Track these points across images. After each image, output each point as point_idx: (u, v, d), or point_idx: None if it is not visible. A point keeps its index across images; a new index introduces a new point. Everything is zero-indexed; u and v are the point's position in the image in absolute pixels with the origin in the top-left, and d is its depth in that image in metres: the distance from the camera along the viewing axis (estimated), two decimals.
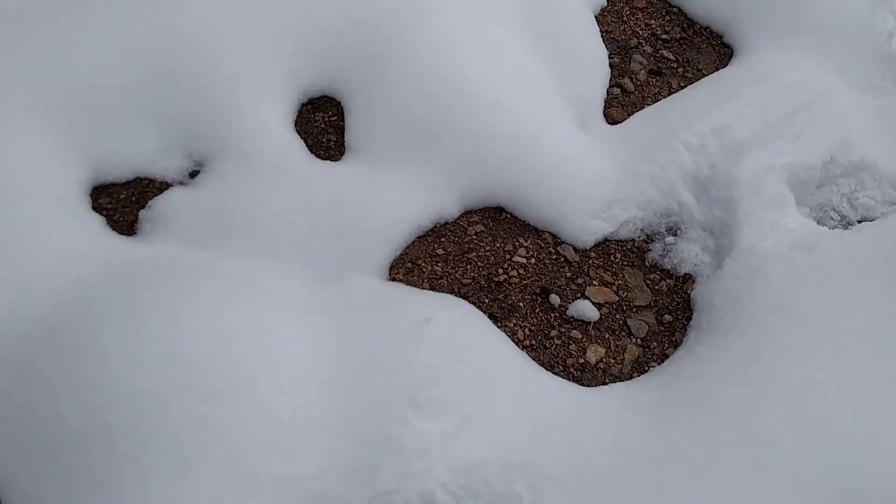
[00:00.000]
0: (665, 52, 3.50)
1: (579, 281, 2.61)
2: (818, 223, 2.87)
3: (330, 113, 2.95)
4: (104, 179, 2.60)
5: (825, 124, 2.95)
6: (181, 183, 2.66)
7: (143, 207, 2.59)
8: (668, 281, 2.65)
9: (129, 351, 1.82)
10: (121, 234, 2.49)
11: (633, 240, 2.75)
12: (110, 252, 2.33)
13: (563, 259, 2.66)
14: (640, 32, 3.60)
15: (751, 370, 2.14)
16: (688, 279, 2.66)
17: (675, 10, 3.72)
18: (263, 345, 2.03)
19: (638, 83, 3.35)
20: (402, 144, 2.74)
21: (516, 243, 2.67)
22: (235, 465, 1.85)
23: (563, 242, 2.70)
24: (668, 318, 2.56)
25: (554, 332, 2.47)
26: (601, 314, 2.54)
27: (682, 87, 3.40)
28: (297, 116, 2.93)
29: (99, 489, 1.74)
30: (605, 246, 2.72)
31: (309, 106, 2.98)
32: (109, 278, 2.10)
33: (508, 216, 2.75)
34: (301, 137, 2.86)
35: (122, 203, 2.59)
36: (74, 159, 2.53)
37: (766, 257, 2.50)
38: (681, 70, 3.47)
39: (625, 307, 2.57)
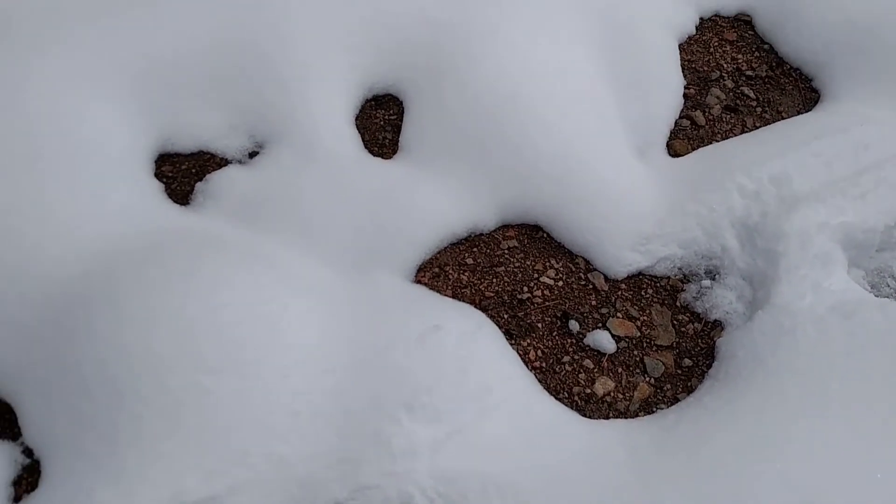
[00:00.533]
0: (746, 89, 3.40)
1: (603, 311, 2.60)
2: (871, 287, 2.75)
3: (391, 111, 3.04)
4: (170, 149, 2.78)
5: (894, 186, 2.80)
6: (240, 161, 2.80)
7: (200, 180, 2.75)
8: (696, 324, 2.60)
9: (144, 312, 1.96)
10: (175, 202, 2.65)
11: (669, 277, 2.70)
12: (160, 217, 2.50)
13: (591, 286, 2.65)
14: (725, 66, 3.51)
15: (752, 430, 2.08)
16: (717, 326, 2.60)
17: (766, 46, 3.60)
18: (276, 327, 2.14)
19: (710, 118, 3.27)
20: (451, 151, 2.79)
21: (547, 264, 2.68)
22: (228, 437, 1.97)
23: (594, 269, 2.69)
24: (687, 362, 2.52)
25: (567, 358, 2.48)
26: (619, 347, 2.52)
27: (757, 128, 3.29)
28: (360, 111, 3.03)
29: (100, 437, 1.89)
30: (637, 279, 2.69)
31: (372, 102, 3.07)
32: (149, 241, 2.26)
33: (545, 235, 2.76)
34: (359, 132, 2.95)
35: (183, 173, 2.75)
36: (145, 126, 2.72)
37: (800, 316, 2.41)
38: (759, 109, 3.36)
39: (645, 344, 2.54)
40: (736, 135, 3.25)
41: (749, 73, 3.47)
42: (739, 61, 3.52)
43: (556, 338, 2.52)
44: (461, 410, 2.15)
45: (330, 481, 2.05)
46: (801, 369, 2.27)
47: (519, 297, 2.58)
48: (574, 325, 2.53)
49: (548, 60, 2.93)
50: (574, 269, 2.68)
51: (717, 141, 3.22)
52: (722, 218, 2.70)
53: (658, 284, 2.68)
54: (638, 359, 2.50)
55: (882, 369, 2.26)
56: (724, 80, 3.43)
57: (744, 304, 2.58)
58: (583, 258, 2.70)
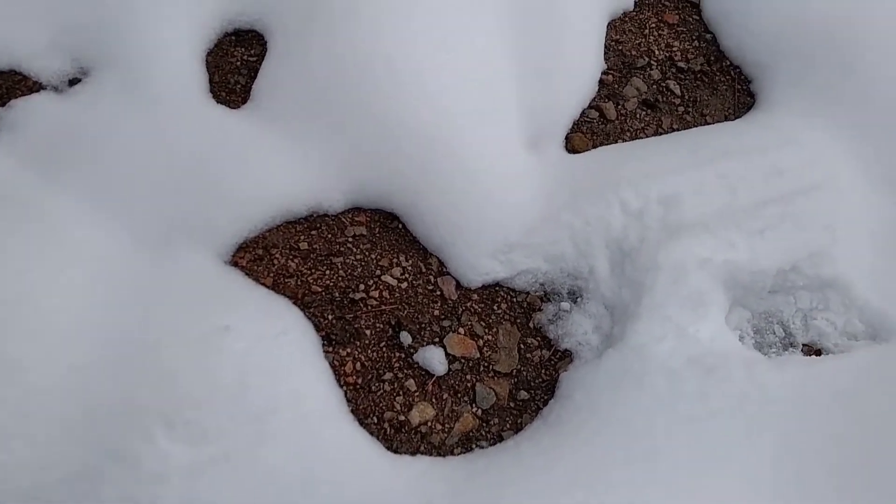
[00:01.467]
0: (672, 84, 3.01)
1: (445, 323, 2.27)
2: (754, 333, 2.44)
3: (252, 51, 2.60)
4: None
5: (805, 225, 2.47)
6: (55, 88, 2.37)
7: (2, 105, 2.31)
8: (544, 351, 2.29)
9: None
10: None
11: (528, 293, 2.37)
12: None
13: (439, 293, 2.31)
14: (656, 52, 3.10)
15: (557, 496, 1.79)
16: (566, 357, 2.29)
17: (708, 36, 3.18)
18: (16, 308, 1.76)
19: (623, 112, 2.88)
20: (306, 112, 2.38)
21: (395, 260, 2.32)
22: None
23: (447, 273, 2.34)
24: (524, 394, 2.21)
25: (388, 376, 2.15)
26: (451, 369, 2.20)
27: (673, 130, 2.92)
28: (215, 46, 2.59)
29: None
30: (493, 291, 2.35)
31: (233, 36, 2.63)
32: None
33: (400, 227, 2.39)
34: (208, 71, 2.52)
35: None
36: None
37: (652, 363, 2.11)
38: (681, 109, 2.97)
39: (482, 368, 2.22)
40: (648, 135, 2.87)
41: (682, 64, 3.07)
42: (674, 49, 3.12)
43: (384, 350, 2.19)
44: (235, 433, 1.82)
45: (62, 499, 1.72)
46: (637, 429, 1.97)
47: (352, 295, 2.23)
48: (406, 338, 2.19)
49: (437, 25, 2.50)
50: (424, 271, 2.33)
51: (625, 140, 2.84)
52: (597, 235, 2.35)
53: (514, 300, 2.35)
54: (470, 385, 2.19)
55: (729, 442, 1.98)
56: (651, 70, 3.03)
57: (600, 336, 2.26)
58: (437, 259, 2.35)
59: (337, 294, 2.23)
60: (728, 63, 3.14)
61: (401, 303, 2.26)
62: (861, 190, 2.69)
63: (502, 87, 2.62)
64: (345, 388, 2.10)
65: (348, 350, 2.15)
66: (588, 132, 2.80)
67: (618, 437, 1.96)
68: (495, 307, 2.33)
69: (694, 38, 3.18)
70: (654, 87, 2.99)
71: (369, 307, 2.23)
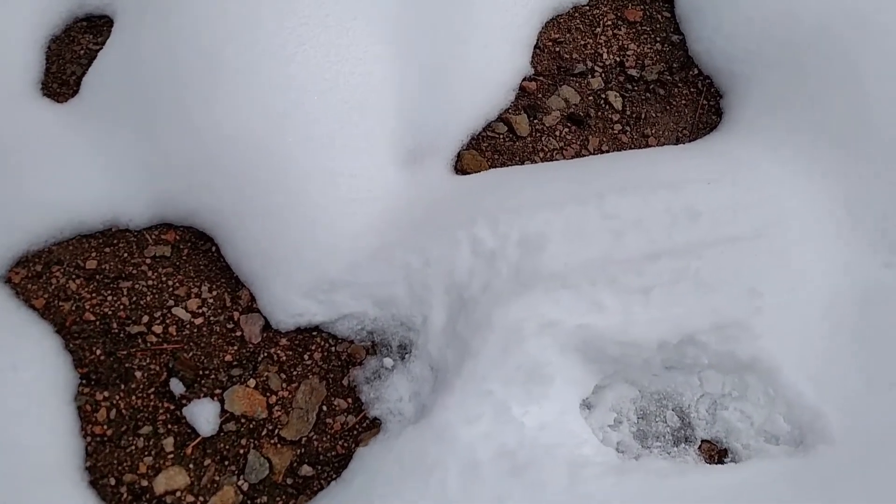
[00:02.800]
0: (615, 96, 2.47)
1: (235, 372, 1.88)
2: (639, 418, 1.90)
3: (99, 39, 2.31)
4: None
5: (714, 286, 1.90)
6: None
7: None
8: (350, 417, 1.86)
9: None
10: None
11: (352, 342, 1.94)
12: None
13: (238, 334, 1.92)
14: (604, 56, 2.57)
15: None
16: (373, 427, 1.84)
17: (676, 38, 2.61)
18: None
19: (539, 128, 2.38)
20: (121, 109, 2.07)
21: (195, 290, 1.96)
22: None
23: (256, 311, 1.95)
24: (307, 469, 1.79)
25: (146, 429, 1.79)
26: (223, 430, 1.81)
27: (600, 152, 2.39)
28: (63, 32, 2.31)
29: None
30: (308, 337, 1.95)
31: (84, 23, 2.34)
32: None
33: (213, 250, 2.02)
34: (48, 60, 2.25)
35: None
36: None
37: (453, 452, 1.64)
38: (618, 127, 2.43)
39: (264, 432, 1.82)
40: (566, 157, 2.35)
41: (633, 72, 2.52)
42: (629, 53, 2.56)
43: (152, 397, 1.83)
44: None
45: None
46: None
47: (130, 329, 1.88)
48: (177, 386, 1.82)
49: (291, 16, 2.10)
50: (229, 305, 1.95)
51: (536, 161, 2.34)
52: (437, 278, 1.89)
53: (332, 349, 1.92)
54: (243, 451, 1.79)
55: None
56: (591, 77, 2.50)
57: (415, 406, 1.80)
58: (249, 292, 1.96)
59: (115, 325, 1.89)
60: (697, 72, 2.55)
61: (188, 342, 1.89)
62: (821, 246, 2.06)
63: (374, 92, 2.19)
64: (89, 439, 1.75)
65: (107, 394, 1.81)
66: (488, 150, 2.31)
67: None
68: (306, 357, 1.91)
69: (658, 39, 2.60)
70: (590, 98, 2.46)
71: (148, 344, 1.87)
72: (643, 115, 2.46)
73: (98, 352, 1.86)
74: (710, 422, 1.92)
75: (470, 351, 1.74)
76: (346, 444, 1.82)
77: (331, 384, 1.90)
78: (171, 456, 1.76)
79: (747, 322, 1.87)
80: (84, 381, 1.82)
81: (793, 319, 1.94)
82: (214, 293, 1.97)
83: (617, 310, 1.81)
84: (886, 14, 2.30)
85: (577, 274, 1.82)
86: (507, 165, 2.32)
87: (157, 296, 1.95)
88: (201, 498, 1.74)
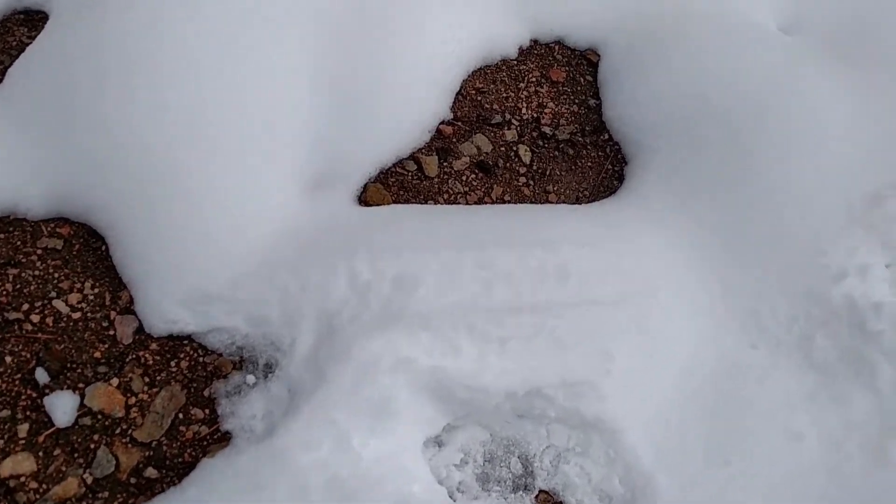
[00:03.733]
0: (524, 150, 2.59)
1: (102, 369, 1.95)
2: (485, 461, 1.99)
3: (34, 33, 2.38)
4: None
5: (568, 344, 2.00)
6: None
7: None
8: (202, 427, 1.92)
9: None
10: None
11: (220, 355, 2.01)
12: None
13: (112, 333, 1.99)
14: (522, 111, 2.68)
15: None
16: (224, 440, 1.91)
17: (593, 103, 2.73)
18: None
19: (448, 170, 2.48)
20: (34, 100, 2.14)
21: (78, 285, 2.03)
22: None
23: (132, 313, 2.02)
24: (152, 472, 1.86)
25: (4, 413, 1.85)
26: (78, 423, 1.87)
27: (501, 202, 2.49)
28: (0, 23, 2.38)
29: None
30: (178, 344, 2.02)
31: (21, 15, 2.42)
32: None
33: (103, 250, 2.09)
34: None
35: None
36: None
37: (285, 476, 1.71)
38: (523, 180, 2.54)
39: (118, 431, 1.88)
40: (468, 202, 2.45)
41: (547, 129, 2.63)
42: (546, 111, 2.68)
43: (17, 384, 1.89)
44: None
45: None
46: None
47: (8, 314, 1.94)
48: (42, 376, 1.88)
49: (217, 34, 2.20)
50: (108, 304, 2.01)
51: (440, 202, 2.44)
52: (311, 304, 1.97)
53: (199, 360, 1.99)
54: (93, 446, 1.85)
55: None
56: (506, 129, 2.61)
57: (266, 425, 1.87)
58: (129, 294, 2.03)
59: None
60: (607, 137, 2.67)
61: (62, 334, 1.96)
62: (687, 318, 2.17)
63: (288, 114, 2.28)
64: None
65: None
66: (395, 185, 2.41)
67: None
68: (172, 364, 1.98)
69: (576, 101, 2.73)
70: (502, 149, 2.57)
71: (24, 332, 1.94)
72: (548, 172, 2.57)
73: None
74: (552, 473, 2.01)
75: (325, 378, 1.83)
76: (193, 453, 1.88)
77: (192, 393, 1.97)
78: (23, 442, 1.82)
79: (596, 383, 1.97)
80: None
81: (643, 385, 2.04)
82: (96, 290, 2.04)
83: (472, 356, 1.90)
84: (790, 105, 2.43)
85: (440, 317, 1.91)
86: (410, 203, 2.41)
87: (41, 286, 2.01)
88: (44, 486, 1.79)
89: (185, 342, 2.02)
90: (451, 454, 1.98)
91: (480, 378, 1.87)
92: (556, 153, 2.62)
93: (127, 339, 2.00)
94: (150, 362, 1.98)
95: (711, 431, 2.02)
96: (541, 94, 2.75)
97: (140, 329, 2.01)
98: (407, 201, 2.41)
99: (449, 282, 1.98)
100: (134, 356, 1.98)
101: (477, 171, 2.51)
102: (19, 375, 1.90)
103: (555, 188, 2.56)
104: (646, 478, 1.94)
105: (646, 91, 2.64)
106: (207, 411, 1.95)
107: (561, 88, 2.78)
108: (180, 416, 1.93)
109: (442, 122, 2.57)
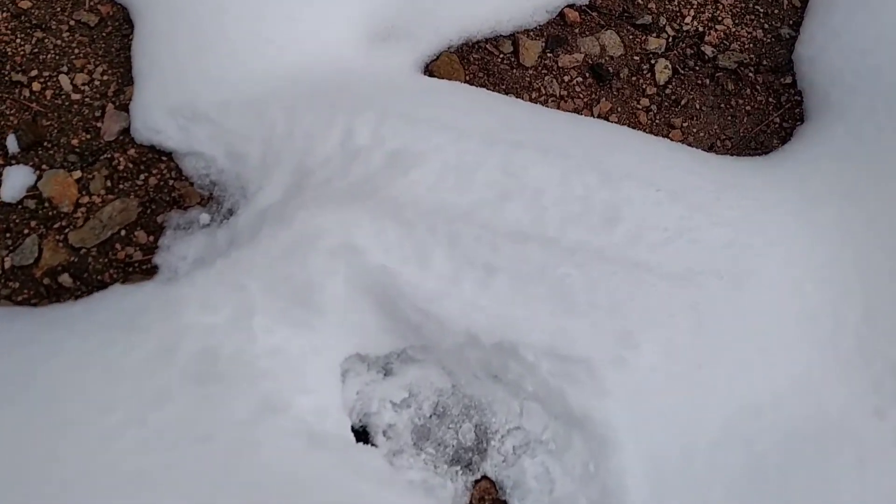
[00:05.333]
0: (664, 66, 2.01)
1: (73, 158, 1.78)
2: (433, 412, 1.57)
3: None
4: None
5: (581, 305, 1.47)
6: None
7: None
8: (136, 253, 1.69)
9: None
10: None
11: (192, 184, 1.76)
12: None
13: (98, 126, 1.81)
14: (688, 20, 2.09)
15: None
16: (152, 272, 1.66)
17: (787, 34, 2.05)
18: None
19: (549, 65, 1.99)
20: None
21: (91, 67, 1.88)
22: None
23: (126, 111, 1.82)
24: (67, 281, 1.66)
25: None
26: (23, 204, 1.73)
27: (606, 118, 1.94)
28: None
29: None
30: (155, 159, 1.79)
31: None
32: None
33: (129, 39, 1.90)
34: None
35: None
36: None
37: (161, 330, 1.42)
38: (643, 103, 1.96)
39: (55, 225, 1.71)
40: (559, 108, 1.92)
41: (709, 50, 2.04)
42: (717, 28, 2.06)
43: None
44: None
45: None
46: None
47: (14, 76, 1.84)
48: (12, 144, 1.75)
49: None
50: (109, 95, 1.84)
51: (526, 98, 1.94)
52: (291, 154, 1.63)
53: (169, 182, 1.76)
54: (26, 232, 1.70)
55: None
56: (652, 35, 2.05)
57: (189, 266, 1.58)
58: (133, 92, 1.82)
59: (7, 66, 1.83)
60: (789, 82, 1.96)
61: (54, 111, 1.79)
62: (787, 343, 1.52)
63: None
64: None
65: None
66: (476, 63, 1.94)
67: None
68: (141, 177, 1.75)
69: (765, 26, 2.03)
70: (635, 58, 1.98)
71: (21, 97, 1.80)
72: (685, 102, 1.92)
73: None
74: (508, 462, 1.50)
75: (256, 238, 1.46)
76: (113, 276, 1.63)
77: (145, 214, 1.71)
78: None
79: (599, 369, 1.41)
80: None
81: (672, 402, 1.44)
82: (105, 78, 1.83)
83: (442, 274, 1.42)
84: None
85: (421, 213, 1.45)
86: (487, 87, 1.92)
87: (56, 57, 1.85)
88: None
89: (164, 159, 1.76)
90: (394, 388, 1.54)
91: (441, 304, 1.39)
92: (707, 82, 1.95)
93: (110, 135, 1.77)
94: (121, 167, 1.74)
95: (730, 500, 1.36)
96: (720, 6, 2.06)
97: (126, 131, 1.77)
98: (482, 86, 1.91)
99: (456, 176, 1.49)
100: (109, 156, 1.75)
101: (588, 74, 1.93)
102: None
103: (684, 124, 1.90)
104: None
105: (870, 30, 1.85)
106: (151, 238, 1.68)
107: (751, 5, 2.06)
108: (122, 233, 1.68)
109: (571, 5, 2.00)
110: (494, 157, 1.52)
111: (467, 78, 1.93)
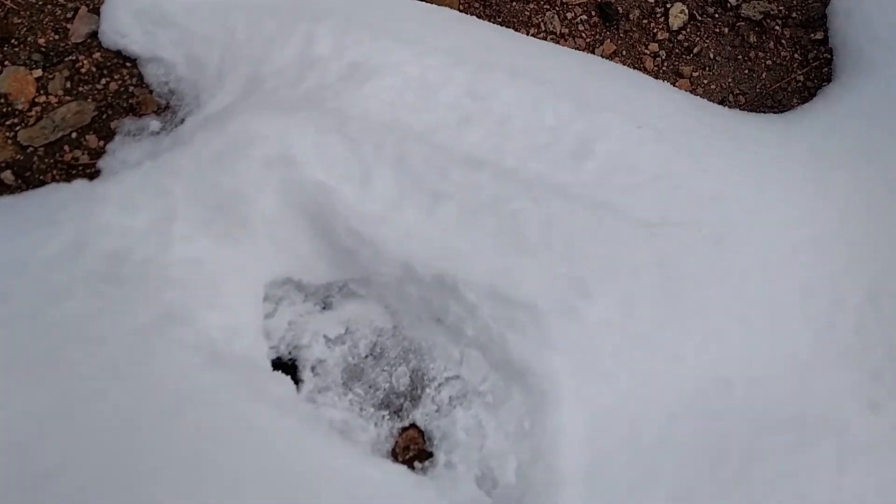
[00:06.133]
0: (679, 10, 1.82)
1: (36, 57, 1.71)
2: (368, 355, 1.45)
3: None
4: None
5: (532, 244, 1.33)
6: None
7: None
8: (83, 156, 1.61)
9: None
10: None
11: (150, 91, 1.67)
12: None
13: (68, 28, 1.73)
14: None
15: None
16: (93, 176, 1.58)
17: None
18: None
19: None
20: None
21: None
22: None
23: (95, 15, 1.74)
24: (7, 176, 1.59)
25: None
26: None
27: (611, 58, 1.77)
28: None
29: None
30: (119, 64, 1.71)
31: None
32: None
33: None
34: None
35: None
36: None
37: (75, 227, 1.33)
38: (651, 48, 1.79)
39: (7, 122, 1.64)
40: (553, 42, 1.77)
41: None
42: None
43: None
44: None
45: None
46: None
47: None
48: None
49: None
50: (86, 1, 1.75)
51: (519, 31, 1.79)
52: (247, 61, 1.53)
53: (129, 89, 1.67)
54: None
55: None
56: None
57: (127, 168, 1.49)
58: None
59: None
60: (820, 38, 1.75)
61: (27, 10, 1.73)
62: (771, 314, 1.34)
63: None
64: None
65: None
66: None
67: None
68: (102, 81, 1.67)
69: None
70: (650, 0, 1.79)
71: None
72: (698, 51, 1.73)
73: None
74: (440, 412, 1.36)
75: (191, 142, 1.34)
76: (56, 177, 1.55)
77: (100, 118, 1.62)
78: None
79: (546, 318, 1.26)
80: None
81: (624, 363, 1.27)
82: None
83: (383, 196, 1.29)
84: None
85: (370, 128, 1.31)
86: (477, 16, 1.77)
87: None
88: None
89: (127, 65, 1.67)
90: (330, 323, 1.41)
91: (378, 230, 1.26)
92: (726, 31, 1.75)
93: (77, 38, 1.69)
94: (83, 70, 1.65)
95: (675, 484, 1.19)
96: None
97: (94, 34, 1.68)
98: (478, 17, 1.75)
99: (416, 93, 1.35)
100: (73, 58, 1.67)
101: (595, 13, 1.76)
102: None
103: (694, 73, 1.71)
104: (555, 482, 1.19)
105: None
106: (101, 143, 1.59)
107: None
108: (73, 135, 1.60)
109: None
110: (461, 76, 1.37)
111: (461, 7, 1.78)
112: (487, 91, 1.38)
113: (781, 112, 1.68)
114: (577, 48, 1.74)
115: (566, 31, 1.76)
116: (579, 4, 1.77)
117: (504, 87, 1.38)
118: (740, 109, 1.69)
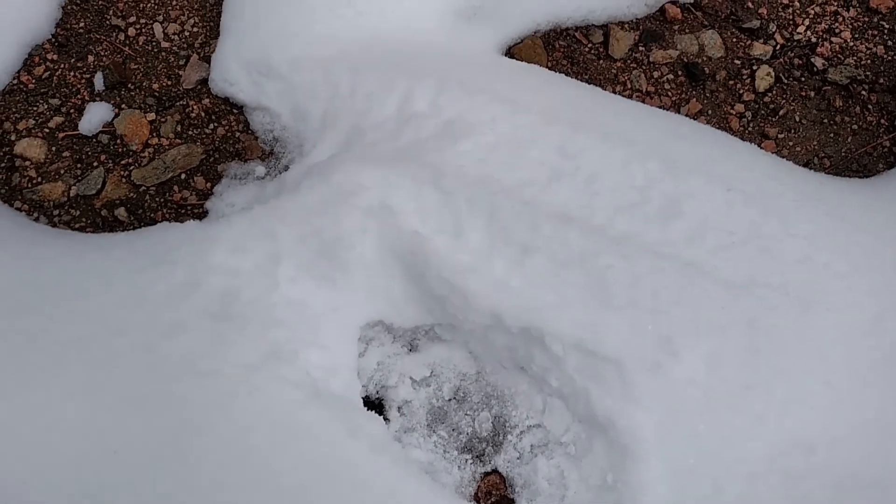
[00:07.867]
0: (766, 72, 1.88)
1: (150, 102, 1.85)
2: (451, 398, 1.52)
3: None
4: None
5: (619, 300, 1.38)
6: None
7: None
8: (192, 197, 1.73)
9: None
10: None
11: (257, 138, 1.79)
12: None
13: (180, 74, 1.88)
14: (801, 29, 1.96)
15: None
16: (201, 216, 1.69)
17: None
18: None
19: (639, 58, 1.90)
20: None
21: (184, 18, 1.96)
22: None
23: (208, 62, 1.88)
24: (121, 213, 1.72)
25: (54, 101, 1.86)
26: (97, 138, 1.82)
27: (696, 118, 1.82)
28: None
29: None
30: (226, 110, 1.84)
31: None
32: None
33: None
34: None
35: None
36: None
37: (191, 266, 1.44)
38: (737, 108, 1.84)
39: (122, 162, 1.77)
40: (646, 102, 1.83)
41: (819, 62, 1.89)
42: (832, 41, 1.91)
43: (82, 80, 1.88)
44: None
45: None
46: None
47: (113, 20, 1.95)
48: (99, 81, 1.84)
49: None
50: (195, 46, 1.92)
51: (610, 91, 1.86)
52: (349, 114, 1.62)
53: (235, 134, 1.80)
54: (95, 164, 1.78)
55: None
56: (758, 41, 1.93)
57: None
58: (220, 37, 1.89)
59: (110, 12, 1.94)
60: None
61: (143, 56, 1.88)
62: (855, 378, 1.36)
63: None
64: (14, 81, 1.85)
65: (55, 57, 1.89)
66: (561, 51, 1.88)
67: None
68: (210, 126, 1.79)
69: (889, 42, 1.85)
70: (735, 62, 1.86)
71: (116, 40, 1.90)
72: (784, 113, 1.77)
73: (81, 24, 1.90)
74: (522, 459, 1.40)
75: (296, 190, 1.44)
76: (166, 215, 1.66)
77: (207, 161, 1.74)
78: (47, 131, 1.77)
79: (630, 373, 1.29)
80: (52, 40, 1.87)
81: (708, 420, 1.29)
82: (195, 30, 1.90)
83: (475, 248, 1.35)
84: None
85: (464, 183, 1.39)
86: (570, 76, 1.84)
87: (156, 6, 1.94)
88: (39, 178, 1.73)
89: (234, 112, 1.80)
90: (416, 365, 1.48)
91: (468, 278, 1.32)
92: (812, 95, 1.78)
93: (189, 84, 1.82)
94: (193, 115, 1.78)
95: None
96: (839, 18, 1.88)
97: (205, 81, 1.82)
98: (566, 74, 1.82)
99: (508, 151, 1.42)
100: (184, 103, 1.80)
101: (681, 72, 1.81)
102: (88, 75, 1.83)
103: (779, 135, 1.74)
104: None
105: None
106: (208, 185, 1.71)
107: (876, 20, 1.88)
108: (182, 176, 1.72)
109: (673, 2, 1.89)
110: (552, 135, 1.43)
111: (549, 64, 1.85)
112: (577, 149, 1.43)
113: (867, 177, 1.69)
114: (662, 107, 1.79)
115: (652, 89, 1.81)
116: (666, 64, 1.82)
117: (593, 146, 1.43)
118: (825, 173, 1.70)
